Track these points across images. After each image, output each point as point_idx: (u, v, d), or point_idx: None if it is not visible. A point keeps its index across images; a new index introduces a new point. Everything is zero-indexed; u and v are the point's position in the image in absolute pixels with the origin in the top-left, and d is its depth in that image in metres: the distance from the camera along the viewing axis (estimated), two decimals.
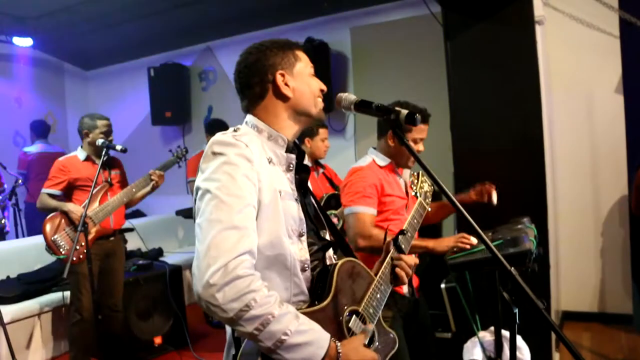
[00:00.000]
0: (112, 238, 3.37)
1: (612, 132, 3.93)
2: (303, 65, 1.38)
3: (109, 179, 3.35)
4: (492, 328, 2.36)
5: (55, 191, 3.24)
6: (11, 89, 6.25)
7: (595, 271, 4.07)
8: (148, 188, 3.41)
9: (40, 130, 5.59)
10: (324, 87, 1.41)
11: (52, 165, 3.31)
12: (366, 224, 2.18)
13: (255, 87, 1.36)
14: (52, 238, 3.08)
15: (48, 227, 3.10)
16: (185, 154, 3.79)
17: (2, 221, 3.37)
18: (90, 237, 3.12)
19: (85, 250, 3.03)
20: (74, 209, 3.14)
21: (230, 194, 1.15)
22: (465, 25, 3.18)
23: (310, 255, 1.32)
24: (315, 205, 1.45)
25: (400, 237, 1.52)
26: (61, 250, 3.08)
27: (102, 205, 3.23)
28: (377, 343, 1.37)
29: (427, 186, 2.07)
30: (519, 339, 2.25)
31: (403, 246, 1.52)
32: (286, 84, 1.34)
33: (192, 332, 4.00)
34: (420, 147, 2.35)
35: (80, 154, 3.34)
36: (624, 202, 3.90)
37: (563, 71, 4.04)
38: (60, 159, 3.34)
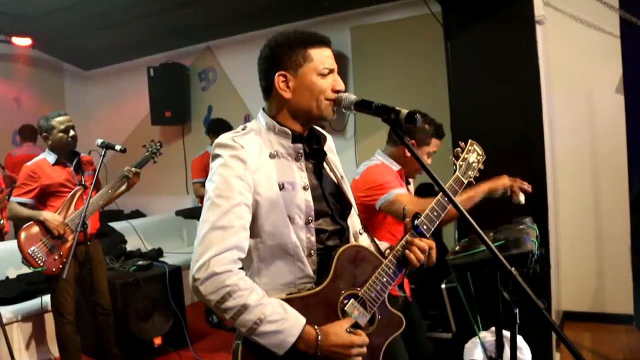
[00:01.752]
0: (88, 243, 3.16)
1: (613, 132, 3.92)
2: (313, 65, 1.37)
3: (82, 182, 3.16)
4: (492, 328, 2.35)
5: (26, 199, 3.04)
6: (10, 88, 6.24)
7: (596, 271, 4.07)
8: (123, 187, 3.23)
9: (28, 133, 5.53)
10: (339, 87, 1.39)
11: (20, 171, 3.11)
12: (411, 201, 2.19)
13: (262, 82, 1.43)
14: (29, 250, 2.92)
15: (23, 239, 2.94)
16: (160, 147, 3.49)
17: (1, 222, 3.34)
18: (68, 245, 2.96)
19: (64, 260, 2.90)
20: (51, 217, 2.97)
21: (220, 196, 1.28)
22: (465, 25, 3.17)
23: (322, 240, 1.39)
24: (339, 187, 1.49)
25: (417, 219, 1.47)
26: (39, 262, 2.93)
27: (78, 211, 3.04)
28: (375, 325, 1.40)
29: (474, 157, 1.79)
30: (520, 339, 2.24)
31: (425, 227, 1.47)
32: (287, 85, 1.37)
33: (192, 333, 3.99)
34: (429, 160, 2.44)
35: (50, 156, 3.13)
36: (624, 202, 3.90)
37: (563, 71, 4.03)
38: (28, 164, 3.10)
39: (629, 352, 3.48)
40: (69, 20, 5.29)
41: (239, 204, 1.28)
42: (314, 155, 1.45)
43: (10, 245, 4.26)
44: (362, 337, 1.31)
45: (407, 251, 1.42)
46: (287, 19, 5.07)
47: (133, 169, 3.22)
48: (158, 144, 3.49)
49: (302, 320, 1.27)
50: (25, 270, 3.98)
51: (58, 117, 3.12)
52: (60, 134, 3.10)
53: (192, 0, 4.96)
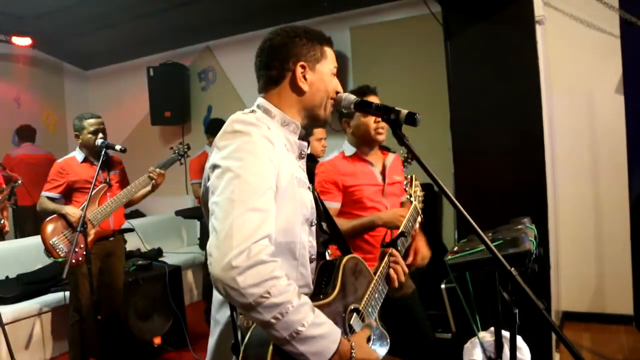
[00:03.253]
0: (111, 238, 3.35)
1: (613, 132, 3.92)
2: (327, 63, 1.36)
3: (107, 180, 3.31)
4: (492, 328, 2.35)
5: (54, 194, 3.21)
6: (10, 88, 6.24)
7: (596, 271, 4.07)
8: (149, 187, 3.37)
9: (25, 134, 5.58)
10: (340, 89, 1.40)
11: (51, 168, 3.28)
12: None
13: (273, 70, 1.33)
14: (51, 241, 3.06)
15: (47, 230, 3.08)
16: (187, 150, 3.70)
17: (1, 221, 3.36)
18: (89, 239, 3.08)
19: (84, 252, 3.00)
20: (72, 211, 3.12)
21: (253, 174, 1.12)
22: (465, 25, 3.17)
23: (318, 246, 1.33)
24: (318, 197, 1.45)
25: (399, 239, 1.58)
26: (59, 252, 3.06)
27: (101, 207, 3.19)
28: (372, 342, 1.37)
29: (419, 190, 2.08)
30: (519, 340, 2.24)
31: (399, 248, 1.56)
32: (304, 77, 1.32)
33: (191, 333, 3.99)
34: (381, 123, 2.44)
35: (79, 155, 3.30)
36: (624, 202, 3.90)
37: (563, 71, 4.03)
38: (59, 160, 3.31)
39: (628, 353, 3.47)
40: (69, 20, 5.29)
41: (271, 188, 1.14)
42: (308, 159, 1.41)
43: (11, 245, 4.28)
44: (377, 355, 1.25)
45: (390, 270, 1.49)
46: (287, 19, 5.05)
47: (157, 169, 3.34)
48: (186, 146, 3.68)
49: (337, 327, 1.13)
50: (25, 270, 3.99)
51: (89, 119, 3.27)
52: (89, 135, 3.23)
53: (192, 0, 4.97)
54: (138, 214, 6.24)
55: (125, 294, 3.56)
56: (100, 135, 3.24)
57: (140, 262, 4.01)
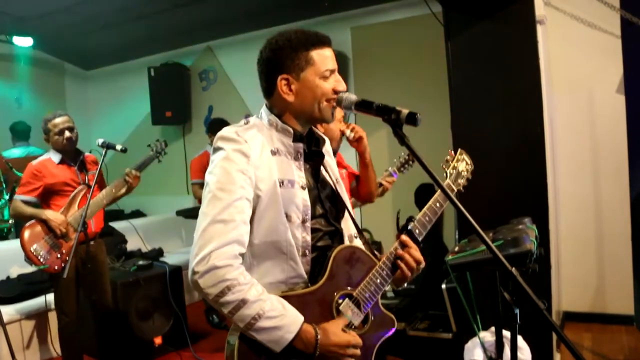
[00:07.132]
0: (92, 242, 3.19)
1: (614, 132, 3.91)
2: (315, 68, 1.37)
3: (87, 181, 3.17)
4: (492, 328, 2.35)
5: (31, 198, 3.06)
6: (11, 88, 6.24)
7: (597, 272, 4.06)
8: (123, 190, 3.21)
9: (20, 132, 5.36)
10: (340, 88, 1.39)
11: (25, 170, 3.13)
12: None
13: (263, 82, 1.43)
14: (32, 248, 2.93)
15: (26, 236, 2.95)
16: (165, 147, 3.49)
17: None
18: (70, 243, 2.97)
19: (66, 258, 2.90)
20: (53, 216, 2.98)
21: (222, 189, 1.28)
22: (466, 25, 3.17)
23: (317, 240, 1.39)
24: (334, 190, 1.50)
25: (410, 224, 1.50)
26: (41, 259, 2.94)
27: (81, 209, 3.04)
28: (368, 325, 1.41)
29: (463, 165, 1.85)
30: (520, 340, 2.24)
31: (417, 231, 1.49)
32: (289, 88, 1.37)
33: (192, 333, 3.99)
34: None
35: (54, 156, 3.15)
36: (625, 202, 3.89)
37: (564, 71, 4.03)
38: (34, 162, 3.13)
39: (629, 353, 3.47)
40: (69, 20, 5.29)
41: (241, 198, 1.28)
42: (312, 157, 1.46)
43: (11, 245, 4.27)
44: (356, 338, 1.33)
45: (398, 261, 1.43)
46: (288, 19, 5.07)
47: (133, 171, 3.21)
48: (163, 143, 3.49)
49: (301, 318, 1.28)
50: (26, 270, 3.99)
51: (54, 120, 3.13)
52: (56, 137, 3.12)
53: (192, 0, 4.97)
54: (139, 214, 6.25)
55: (126, 293, 3.57)
56: (67, 134, 3.11)
57: (140, 262, 4.01)
